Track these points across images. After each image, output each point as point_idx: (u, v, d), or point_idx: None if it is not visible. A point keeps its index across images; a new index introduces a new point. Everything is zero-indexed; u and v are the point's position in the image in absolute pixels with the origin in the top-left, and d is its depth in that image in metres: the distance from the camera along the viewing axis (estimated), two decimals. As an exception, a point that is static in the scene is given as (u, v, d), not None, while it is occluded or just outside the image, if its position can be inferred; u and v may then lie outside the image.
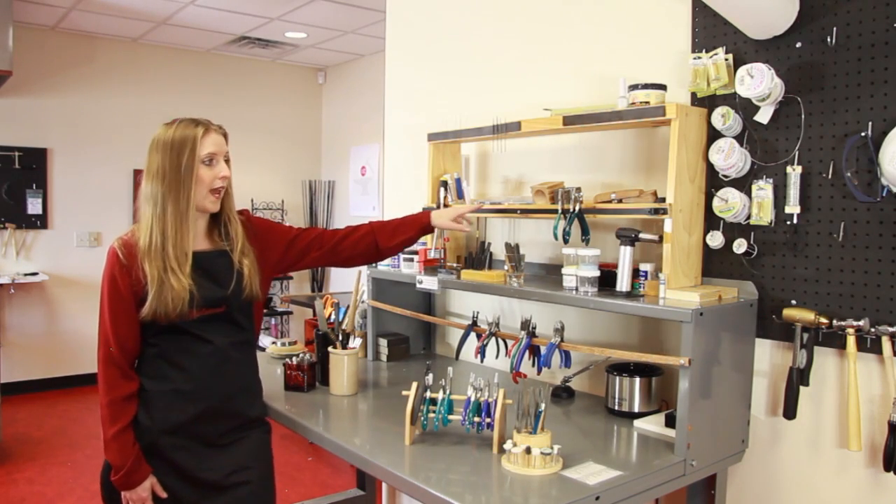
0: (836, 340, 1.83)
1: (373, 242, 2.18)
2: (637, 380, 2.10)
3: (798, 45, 1.88)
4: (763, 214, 1.92)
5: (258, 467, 1.94)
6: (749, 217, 1.96)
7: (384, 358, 2.82)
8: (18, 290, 5.81)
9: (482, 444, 1.86)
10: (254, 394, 2.01)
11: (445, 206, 2.56)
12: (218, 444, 1.88)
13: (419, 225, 2.23)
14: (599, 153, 2.40)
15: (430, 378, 1.94)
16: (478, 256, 2.57)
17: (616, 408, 2.13)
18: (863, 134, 1.76)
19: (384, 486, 3.25)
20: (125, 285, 1.77)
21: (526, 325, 2.23)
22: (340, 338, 2.36)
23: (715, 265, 2.07)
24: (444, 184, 2.60)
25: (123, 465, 1.77)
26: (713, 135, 2.01)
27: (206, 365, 1.85)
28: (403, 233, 2.21)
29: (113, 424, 1.77)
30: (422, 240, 2.59)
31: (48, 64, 5.93)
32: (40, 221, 5.92)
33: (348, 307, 2.74)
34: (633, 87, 2.03)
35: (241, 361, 1.94)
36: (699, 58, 2.02)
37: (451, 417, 1.89)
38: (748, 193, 1.96)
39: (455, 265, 2.57)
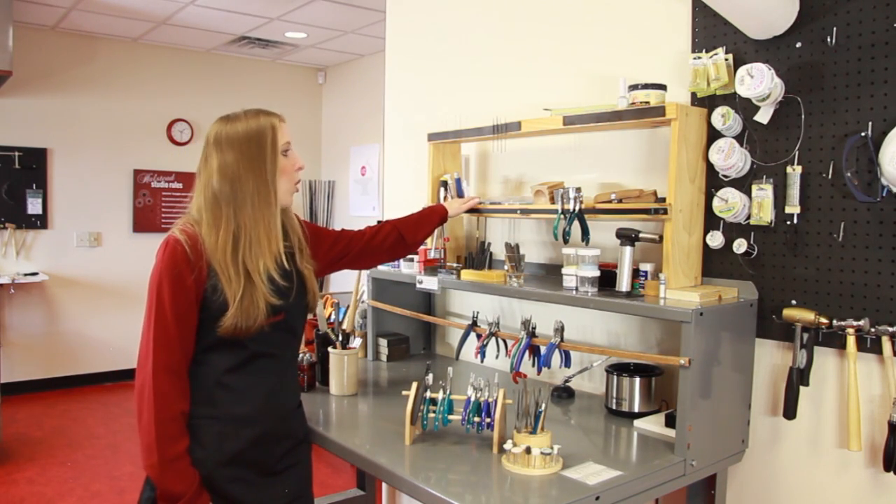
0: (836, 340, 1.83)
1: (399, 237, 2.19)
2: (637, 380, 2.10)
3: (798, 45, 1.88)
4: (763, 214, 1.92)
5: (307, 495, 1.82)
6: (749, 217, 1.96)
7: (384, 358, 2.82)
8: (18, 290, 5.80)
9: (482, 444, 1.86)
10: (303, 410, 1.88)
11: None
12: (274, 472, 1.71)
13: (438, 216, 2.33)
14: (599, 153, 2.40)
15: (430, 378, 1.93)
16: (478, 256, 2.57)
17: (616, 408, 2.13)
18: (863, 134, 1.76)
19: (384, 486, 3.24)
20: (190, 281, 1.56)
21: (526, 325, 2.23)
22: (340, 338, 2.36)
23: (715, 265, 2.07)
24: (444, 184, 2.60)
25: (185, 492, 1.54)
26: (713, 135, 2.01)
27: (264, 384, 1.68)
28: (426, 225, 2.29)
29: (173, 445, 1.54)
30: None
31: (48, 64, 5.93)
32: (40, 221, 5.92)
33: (348, 307, 2.74)
34: (633, 87, 2.03)
35: (295, 375, 1.83)
36: (699, 58, 2.02)
37: (451, 417, 1.89)
38: (748, 193, 1.96)
39: (455, 265, 2.57)
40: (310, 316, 1.90)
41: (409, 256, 2.60)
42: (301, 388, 2.35)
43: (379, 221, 2.33)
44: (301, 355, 2.43)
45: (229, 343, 1.61)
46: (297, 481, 1.77)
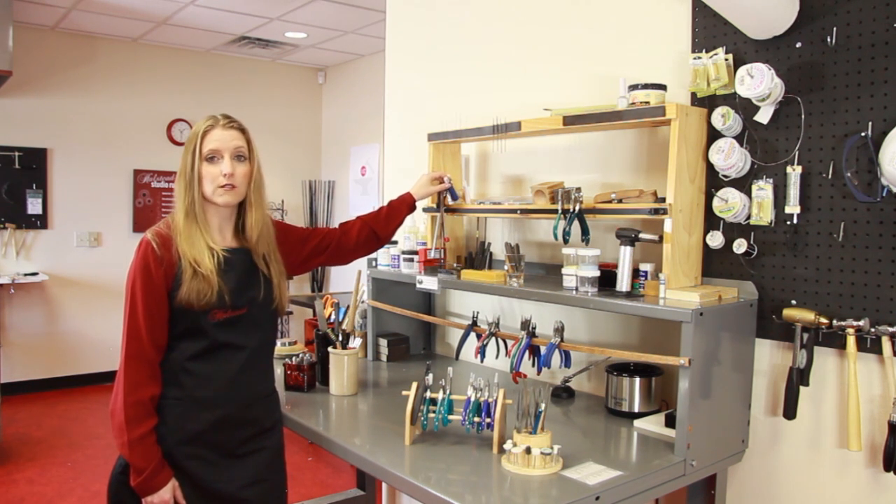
0: (836, 340, 1.83)
1: (371, 233, 2.26)
2: (637, 380, 2.10)
3: (798, 45, 1.88)
4: (763, 214, 1.92)
5: (273, 480, 1.90)
6: (749, 217, 1.96)
7: (384, 358, 2.82)
8: (18, 290, 5.80)
9: (482, 444, 1.86)
10: (273, 400, 1.95)
11: (444, 204, 2.56)
12: (235, 455, 1.82)
13: (407, 205, 2.36)
14: (599, 153, 2.40)
15: (430, 378, 1.94)
16: (478, 256, 2.57)
17: (616, 408, 2.13)
18: (863, 134, 1.76)
19: (384, 486, 3.25)
20: (159, 277, 1.71)
21: (526, 325, 2.23)
22: (340, 338, 2.36)
23: (715, 265, 2.07)
24: (444, 184, 2.59)
25: (147, 466, 1.69)
26: (713, 135, 2.01)
27: (227, 371, 1.79)
28: (396, 217, 2.34)
29: (139, 426, 1.69)
30: (422, 239, 2.61)
31: (48, 64, 5.93)
32: (40, 221, 5.92)
33: (348, 307, 2.74)
34: (633, 87, 2.03)
35: (262, 366, 1.90)
36: (699, 58, 2.02)
37: (451, 417, 1.89)
38: (748, 193, 1.96)
39: (455, 265, 2.57)
40: (288, 313, 1.95)
41: (409, 256, 2.60)
42: (301, 387, 2.36)
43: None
44: (301, 355, 2.44)
45: (196, 332, 1.76)
46: (261, 466, 1.87)
